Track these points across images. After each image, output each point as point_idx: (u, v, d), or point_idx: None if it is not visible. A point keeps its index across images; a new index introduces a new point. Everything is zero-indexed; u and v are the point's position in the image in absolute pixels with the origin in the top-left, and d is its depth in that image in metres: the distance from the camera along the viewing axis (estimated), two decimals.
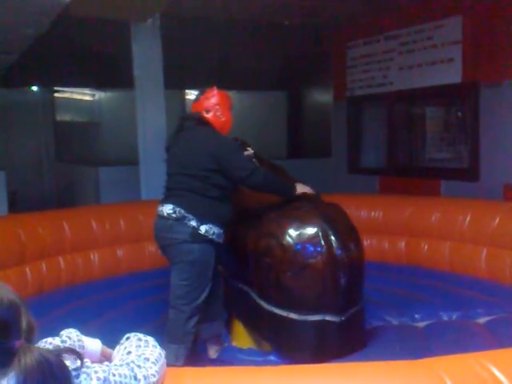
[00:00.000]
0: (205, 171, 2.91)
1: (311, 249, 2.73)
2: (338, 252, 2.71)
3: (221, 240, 2.98)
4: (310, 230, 2.75)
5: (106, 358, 1.52)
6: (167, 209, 2.92)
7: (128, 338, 1.48)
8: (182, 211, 2.87)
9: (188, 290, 2.92)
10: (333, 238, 2.73)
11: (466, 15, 5.57)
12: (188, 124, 3.12)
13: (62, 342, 1.42)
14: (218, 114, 3.09)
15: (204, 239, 2.88)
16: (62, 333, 1.46)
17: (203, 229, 2.87)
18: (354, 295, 2.84)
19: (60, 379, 1.15)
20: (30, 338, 1.23)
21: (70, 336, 1.45)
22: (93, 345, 1.50)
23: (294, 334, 2.81)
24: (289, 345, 2.85)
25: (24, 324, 1.20)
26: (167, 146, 3.19)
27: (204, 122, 3.08)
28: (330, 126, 7.98)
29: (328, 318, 2.72)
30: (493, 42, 5.36)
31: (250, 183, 2.98)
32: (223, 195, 2.97)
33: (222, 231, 2.97)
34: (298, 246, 2.74)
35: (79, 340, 1.46)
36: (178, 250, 2.91)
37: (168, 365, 1.45)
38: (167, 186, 3.09)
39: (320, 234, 2.73)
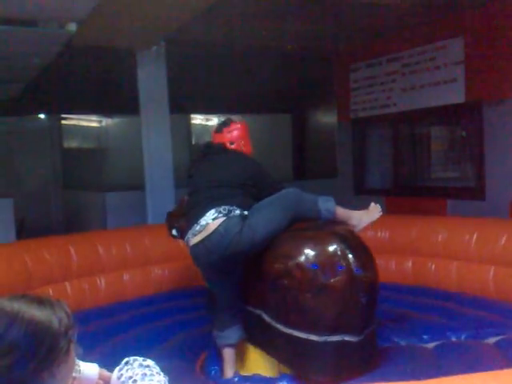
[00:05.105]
0: (238, 183, 3.04)
1: (330, 268, 2.69)
2: (357, 271, 2.69)
3: None
4: (329, 250, 2.72)
5: (104, 381, 1.51)
6: (210, 216, 2.91)
7: (127, 363, 1.46)
8: (227, 207, 2.92)
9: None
10: (351, 256, 2.70)
11: (467, 36, 5.63)
12: (212, 151, 3.25)
13: None
14: (241, 145, 3.29)
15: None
16: None
17: (246, 212, 2.96)
18: (371, 315, 2.82)
19: None
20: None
21: None
22: (89, 369, 1.48)
23: (313, 356, 2.76)
24: (308, 366, 2.80)
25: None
26: (189, 173, 3.28)
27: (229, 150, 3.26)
28: (335, 148, 8.01)
29: (347, 338, 2.69)
30: (495, 61, 5.40)
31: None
32: (251, 197, 3.10)
33: None
34: (317, 266, 2.71)
35: (75, 364, 1.45)
36: (244, 238, 2.86)
37: None
38: (191, 204, 3.10)
39: (339, 253, 2.70)
